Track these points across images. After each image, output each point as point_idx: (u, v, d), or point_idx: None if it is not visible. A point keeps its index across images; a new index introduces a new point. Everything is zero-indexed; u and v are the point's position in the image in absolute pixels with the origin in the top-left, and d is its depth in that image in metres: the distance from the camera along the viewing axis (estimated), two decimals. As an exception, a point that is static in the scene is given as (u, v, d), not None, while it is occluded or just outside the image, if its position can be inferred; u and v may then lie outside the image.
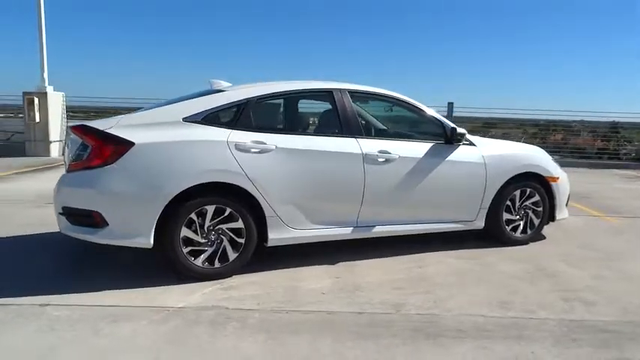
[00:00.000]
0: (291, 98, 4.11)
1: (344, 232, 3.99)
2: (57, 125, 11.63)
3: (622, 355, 2.64)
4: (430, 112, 4.40)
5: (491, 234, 4.60)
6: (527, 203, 4.66)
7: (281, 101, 4.11)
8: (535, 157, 4.71)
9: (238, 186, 3.56)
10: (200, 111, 3.65)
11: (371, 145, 3.98)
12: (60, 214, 3.51)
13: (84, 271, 3.76)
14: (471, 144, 4.41)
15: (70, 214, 3.45)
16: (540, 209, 4.71)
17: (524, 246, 4.63)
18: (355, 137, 3.97)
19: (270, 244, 3.75)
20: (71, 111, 12.61)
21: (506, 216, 4.58)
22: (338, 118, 4.01)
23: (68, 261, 4.01)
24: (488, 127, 13.99)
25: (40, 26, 11.32)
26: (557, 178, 4.74)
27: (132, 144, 3.38)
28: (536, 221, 4.72)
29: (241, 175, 3.55)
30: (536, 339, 2.79)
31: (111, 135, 3.40)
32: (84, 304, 3.13)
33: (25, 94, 11.27)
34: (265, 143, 3.67)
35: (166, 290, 3.38)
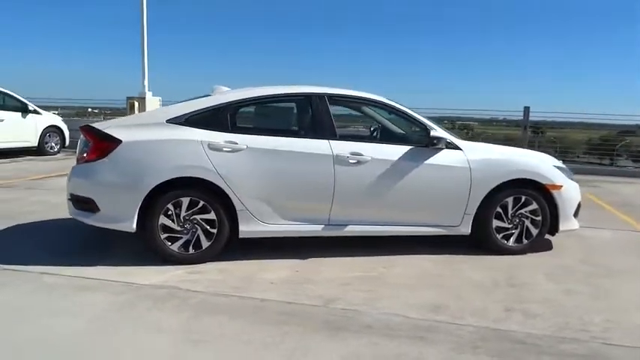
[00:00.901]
0: (270, 102, 4.41)
1: (315, 229, 4.19)
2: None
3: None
4: (414, 115, 4.42)
5: (481, 241, 4.49)
6: (522, 211, 4.46)
7: (260, 105, 4.42)
8: (531, 162, 4.48)
9: (209, 181, 3.95)
10: (182, 114, 4.10)
11: (343, 147, 4.13)
12: (68, 200, 4.17)
13: (88, 250, 4.38)
14: (456, 148, 4.35)
15: (75, 200, 4.10)
16: (539, 218, 4.47)
17: (510, 255, 4.43)
18: (328, 139, 4.15)
19: (241, 235, 4.09)
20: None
21: (496, 223, 4.43)
22: (312, 121, 4.24)
23: (79, 240, 4.67)
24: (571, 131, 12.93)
25: (142, 41, 12.81)
26: (560, 186, 4.46)
27: (120, 141, 3.93)
28: (534, 231, 4.49)
29: (212, 172, 3.94)
30: (437, 342, 2.80)
31: (104, 134, 3.98)
32: (71, 274, 3.72)
33: (128, 98, 12.80)
34: (237, 143, 4.01)
35: (144, 270, 3.87)
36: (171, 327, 2.92)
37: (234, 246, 4.22)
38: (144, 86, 12.94)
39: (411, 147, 4.26)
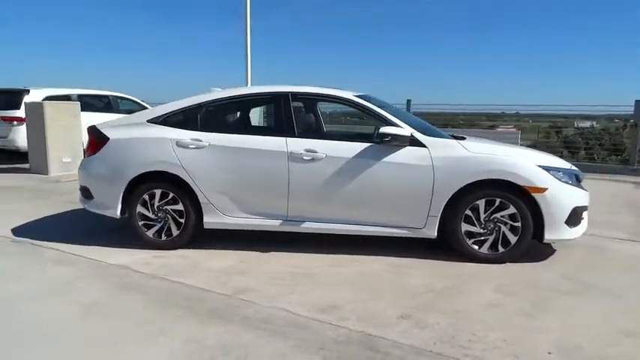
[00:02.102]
0: (238, 102, 4.63)
1: (273, 224, 4.33)
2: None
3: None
4: (379, 112, 4.27)
5: (451, 246, 4.18)
6: (497, 216, 4.04)
7: (227, 105, 4.65)
8: (507, 161, 4.01)
9: (176, 175, 4.35)
10: (160, 114, 4.56)
11: (298, 144, 4.20)
12: (79, 189, 4.92)
13: (87, 232, 5.01)
14: (421, 145, 4.11)
15: (80, 188, 4.82)
16: (518, 224, 4.01)
17: (479, 265, 4.05)
18: (285, 137, 4.25)
19: (205, 226, 4.41)
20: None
21: (466, 227, 4.09)
22: (274, 120, 4.38)
23: (88, 223, 5.38)
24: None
25: (245, 52, 13.86)
26: (543, 188, 3.94)
27: (108, 139, 4.53)
28: (512, 238, 4.04)
29: (179, 167, 4.33)
30: (290, 339, 2.80)
31: (99, 132, 4.62)
32: (65, 250, 4.41)
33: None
34: (201, 141, 4.34)
35: (121, 252, 4.40)
36: (87, 299, 3.37)
37: (220, 236, 4.57)
38: (247, 85, 13.99)
39: (370, 144, 4.14)
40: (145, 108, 13.06)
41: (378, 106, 4.37)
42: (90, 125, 4.86)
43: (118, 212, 4.49)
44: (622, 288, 3.61)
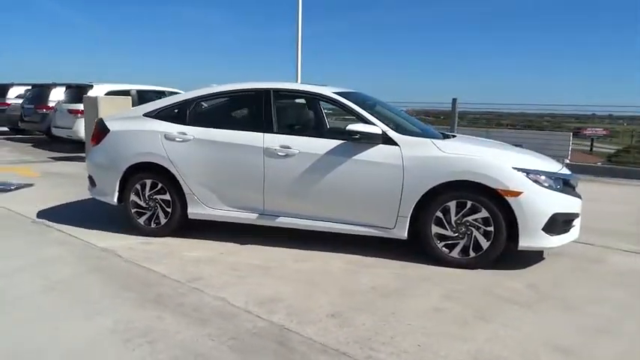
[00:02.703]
0: (224, 98, 4.76)
1: (250, 217, 4.43)
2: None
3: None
4: (355, 109, 4.22)
5: (422, 248, 4.05)
6: (469, 219, 3.86)
7: (214, 101, 4.79)
8: (478, 162, 3.81)
9: (164, 166, 4.57)
10: (154, 108, 4.81)
11: (274, 140, 4.27)
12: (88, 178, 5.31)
13: (105, 217, 5.40)
14: (393, 143, 4.02)
15: (88, 177, 5.20)
16: (491, 229, 3.81)
17: (444, 268, 3.89)
18: (263, 132, 4.33)
19: (190, 216, 4.60)
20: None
21: (436, 229, 3.95)
22: (255, 115, 4.47)
23: (109, 209, 5.76)
24: None
25: (297, 56, 14.08)
26: (518, 192, 3.71)
27: (109, 130, 4.85)
28: (485, 243, 3.84)
29: (165, 159, 4.55)
30: (207, 325, 2.89)
31: (103, 124, 4.96)
32: (67, 232, 4.79)
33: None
34: (186, 134, 4.54)
35: (115, 237, 4.69)
36: (58, 276, 3.65)
37: (212, 227, 4.74)
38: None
39: (343, 141, 4.11)
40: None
41: (359, 103, 4.33)
42: (98, 118, 5.22)
43: (115, 199, 4.80)
44: (588, 303, 3.33)
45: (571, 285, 3.67)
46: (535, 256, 4.22)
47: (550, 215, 3.76)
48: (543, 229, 3.76)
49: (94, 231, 4.85)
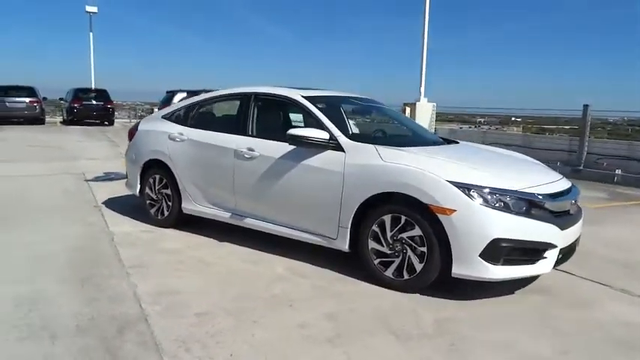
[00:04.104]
0: (216, 102, 4.98)
1: (224, 216, 4.62)
2: (424, 131, 13.69)
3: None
4: (314, 113, 4.10)
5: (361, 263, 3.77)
6: (404, 236, 3.48)
7: (211, 104, 5.04)
8: (411, 173, 3.38)
9: (165, 163, 5.04)
10: (170, 111, 5.31)
11: (243, 143, 4.39)
12: (128, 173, 6.04)
13: (128, 207, 6.05)
14: (339, 149, 3.82)
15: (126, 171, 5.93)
16: (423, 249, 3.39)
17: (371, 287, 3.55)
18: (239, 134, 4.49)
19: (184, 211, 4.97)
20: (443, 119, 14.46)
21: (373, 244, 3.64)
22: (236, 118, 4.64)
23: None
24: None
25: (422, 47, 13.68)
26: (450, 210, 3.23)
27: (137, 130, 5.52)
28: (418, 265, 3.42)
29: (167, 156, 5.01)
30: (90, 303, 3.18)
31: (137, 124, 5.65)
32: (104, 215, 5.57)
33: (404, 104, 13.94)
34: (183, 135, 4.93)
35: (131, 223, 5.26)
36: (45, 249, 4.30)
37: (221, 224, 4.98)
38: (420, 92, 13.79)
39: (294, 146, 4.05)
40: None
41: (329, 108, 4.23)
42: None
43: (137, 191, 5.42)
44: (487, 349, 2.76)
45: (496, 332, 3.04)
46: (500, 288, 3.59)
47: (490, 240, 3.18)
48: (481, 256, 3.20)
49: (126, 217, 5.51)
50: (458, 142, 4.74)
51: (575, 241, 3.73)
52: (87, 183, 7.58)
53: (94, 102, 21.52)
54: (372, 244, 3.63)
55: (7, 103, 19.75)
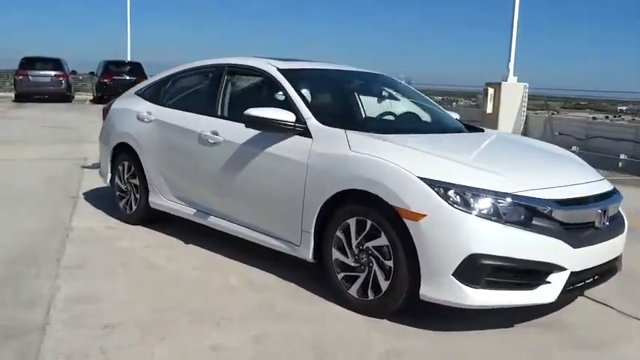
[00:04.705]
0: (187, 76, 5.06)
1: (189, 213, 4.71)
2: (510, 117, 13.13)
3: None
4: (287, 90, 4.06)
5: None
6: (369, 245, 3.38)
7: (181, 79, 5.11)
8: (379, 166, 3.28)
9: (133, 148, 5.22)
10: (143, 86, 5.50)
11: (208, 125, 4.43)
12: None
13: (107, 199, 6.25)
14: (307, 134, 3.77)
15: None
16: (390, 264, 3.27)
17: (330, 306, 3.47)
18: (207, 115, 4.54)
19: (151, 206, 5.11)
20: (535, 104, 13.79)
21: (337, 255, 3.57)
22: (204, 95, 4.73)
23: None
24: None
25: (512, 19, 13.17)
26: (420, 214, 3.09)
27: (110, 108, 5.76)
28: (384, 283, 3.31)
29: (134, 140, 5.18)
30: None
31: (111, 102, 5.89)
32: (77, 207, 5.89)
33: (486, 84, 13.45)
34: (151, 114, 5.06)
35: (99, 217, 5.53)
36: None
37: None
38: (508, 70, 13.26)
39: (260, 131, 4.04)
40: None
41: (302, 83, 4.22)
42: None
43: (108, 180, 5.66)
44: None
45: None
46: (498, 318, 3.40)
47: (466, 255, 3.02)
48: (455, 276, 3.05)
49: (98, 211, 5.79)
50: (482, 131, 4.55)
51: (609, 262, 3.46)
52: (82, 170, 8.03)
53: (127, 77, 22.16)
54: (336, 254, 3.56)
55: (30, 77, 21.20)
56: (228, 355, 2.93)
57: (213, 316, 3.38)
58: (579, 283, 3.33)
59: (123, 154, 5.37)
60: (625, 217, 3.76)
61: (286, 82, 4.13)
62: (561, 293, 3.17)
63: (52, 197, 6.33)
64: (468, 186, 3.13)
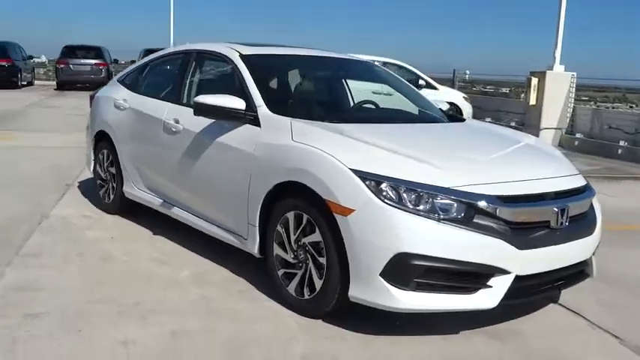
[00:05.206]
0: (161, 63, 5.05)
1: (156, 203, 4.72)
2: (555, 109, 12.60)
3: None
4: (243, 75, 4.00)
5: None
6: (305, 241, 3.28)
7: (157, 65, 5.11)
8: (312, 156, 3.20)
9: (110, 136, 5.27)
10: (124, 73, 5.55)
11: (172, 112, 4.44)
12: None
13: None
14: (256, 123, 3.70)
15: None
16: (323, 261, 3.17)
17: (273, 305, 3.38)
18: (172, 102, 4.55)
19: (126, 195, 5.15)
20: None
21: (277, 250, 3.48)
22: (172, 81, 4.72)
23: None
24: None
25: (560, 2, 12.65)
26: (348, 209, 2.97)
27: (95, 96, 5.84)
28: (317, 282, 3.21)
29: (110, 128, 5.25)
30: None
31: (96, 91, 5.97)
32: (66, 195, 6.01)
33: (530, 73, 12.91)
34: (126, 101, 5.11)
35: (79, 205, 5.65)
36: None
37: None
38: (554, 58, 12.72)
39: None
40: (417, 77, 13.87)
41: (269, 71, 4.15)
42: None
43: (91, 168, 5.75)
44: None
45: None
46: (445, 323, 3.24)
47: (393, 254, 2.88)
48: (382, 276, 2.91)
49: (84, 200, 5.91)
50: (463, 121, 4.38)
51: (573, 267, 3.26)
52: (89, 158, 8.20)
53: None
54: (277, 250, 3.50)
55: (71, 66, 21.86)
56: (135, 350, 2.91)
57: (142, 310, 3.37)
58: (532, 289, 3.14)
59: (103, 142, 5.45)
60: (599, 218, 3.51)
61: (245, 68, 4.08)
62: (504, 299, 2.98)
63: (46, 184, 6.48)
64: (401, 179, 2.99)
